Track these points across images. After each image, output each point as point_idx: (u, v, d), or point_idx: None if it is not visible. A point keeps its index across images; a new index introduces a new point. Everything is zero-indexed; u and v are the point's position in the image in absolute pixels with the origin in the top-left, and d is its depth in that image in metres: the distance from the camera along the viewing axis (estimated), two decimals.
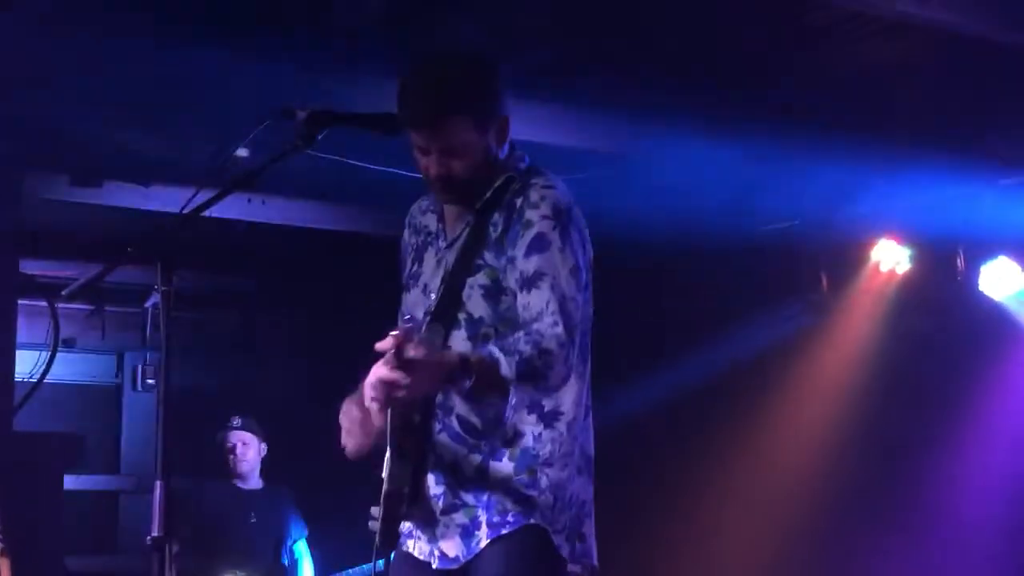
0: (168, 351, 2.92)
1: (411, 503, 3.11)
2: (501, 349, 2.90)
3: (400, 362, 2.75)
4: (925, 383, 7.00)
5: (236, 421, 7.13)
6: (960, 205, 6.62)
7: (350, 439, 3.18)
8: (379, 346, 2.74)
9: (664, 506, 7.77)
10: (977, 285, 6.72)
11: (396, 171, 5.56)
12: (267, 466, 7.26)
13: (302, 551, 7.25)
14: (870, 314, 7.35)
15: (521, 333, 2.95)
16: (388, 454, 3.09)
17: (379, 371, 2.78)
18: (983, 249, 6.72)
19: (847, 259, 7.37)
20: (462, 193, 3.16)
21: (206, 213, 2.97)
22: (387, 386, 2.77)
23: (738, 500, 7.71)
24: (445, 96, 3.04)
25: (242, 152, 3.02)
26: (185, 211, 2.93)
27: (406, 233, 3.42)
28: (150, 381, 8.88)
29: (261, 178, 3.13)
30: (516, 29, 5.12)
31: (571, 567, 3.13)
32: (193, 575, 6.55)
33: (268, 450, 7.23)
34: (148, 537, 2.91)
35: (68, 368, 8.49)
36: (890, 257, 7.15)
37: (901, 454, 7.08)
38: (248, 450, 7.13)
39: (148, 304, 8.55)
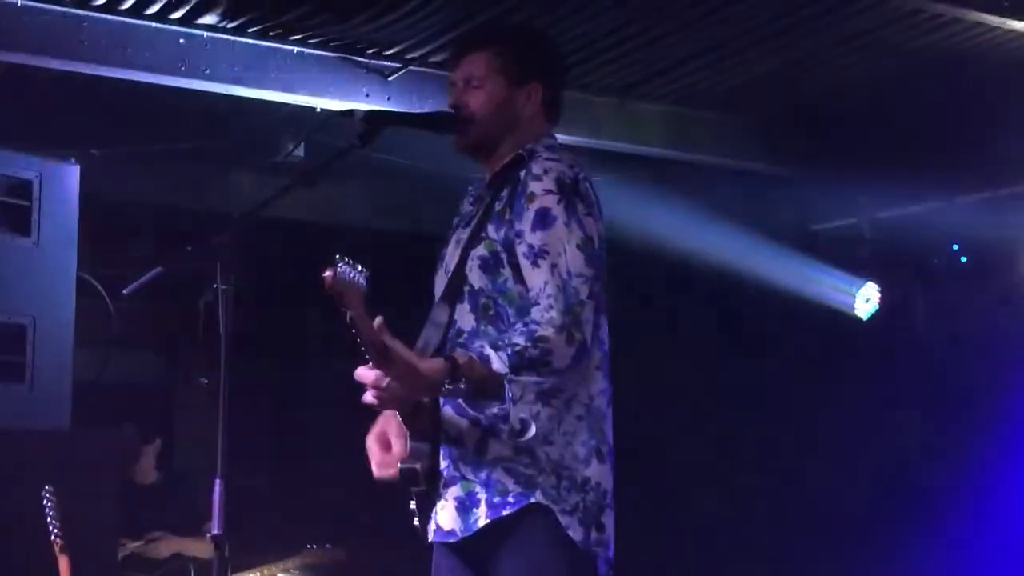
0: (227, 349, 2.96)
1: (427, 480, 3.09)
2: (492, 344, 2.91)
3: (379, 357, 2.79)
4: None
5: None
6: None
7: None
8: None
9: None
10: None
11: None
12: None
13: None
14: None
15: (520, 323, 2.97)
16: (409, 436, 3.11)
17: (359, 372, 2.87)
18: None
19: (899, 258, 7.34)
20: (477, 136, 3.22)
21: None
22: (376, 388, 2.86)
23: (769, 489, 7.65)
24: (474, 33, 3.48)
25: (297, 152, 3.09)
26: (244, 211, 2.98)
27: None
28: (203, 380, 8.89)
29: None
30: None
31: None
32: None
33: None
34: (209, 535, 2.95)
35: (119, 366, 8.52)
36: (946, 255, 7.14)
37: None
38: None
39: (202, 302, 8.53)
